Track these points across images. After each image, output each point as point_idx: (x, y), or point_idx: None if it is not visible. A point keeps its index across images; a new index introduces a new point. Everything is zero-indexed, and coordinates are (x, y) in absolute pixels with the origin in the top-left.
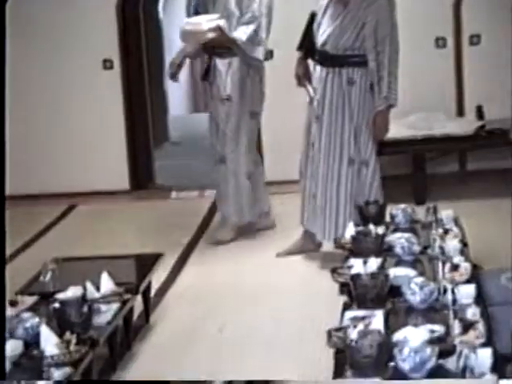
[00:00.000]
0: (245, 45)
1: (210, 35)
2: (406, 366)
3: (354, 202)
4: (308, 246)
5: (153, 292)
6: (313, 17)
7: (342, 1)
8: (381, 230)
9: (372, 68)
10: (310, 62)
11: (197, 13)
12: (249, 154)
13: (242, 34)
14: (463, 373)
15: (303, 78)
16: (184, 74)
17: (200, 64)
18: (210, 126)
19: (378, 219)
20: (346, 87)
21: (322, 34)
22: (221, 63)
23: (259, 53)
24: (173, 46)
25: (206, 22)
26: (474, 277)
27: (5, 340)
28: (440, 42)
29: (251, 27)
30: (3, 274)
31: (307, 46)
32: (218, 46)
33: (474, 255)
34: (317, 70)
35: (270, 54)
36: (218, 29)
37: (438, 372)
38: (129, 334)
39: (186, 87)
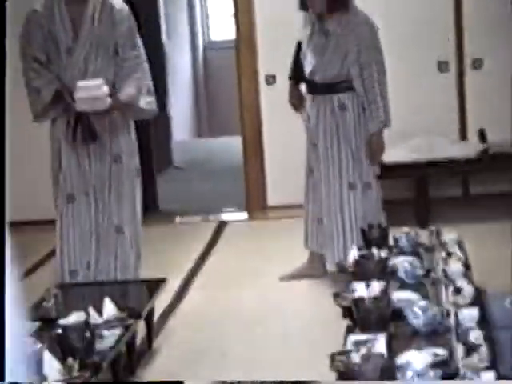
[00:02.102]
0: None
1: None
2: None
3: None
4: (315, 270)
5: (156, 316)
6: (299, 46)
7: (323, 31)
8: (384, 253)
9: (360, 93)
10: (303, 88)
11: None
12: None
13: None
14: None
15: (299, 104)
16: (187, 99)
17: None
18: None
19: (381, 243)
20: (339, 112)
21: (308, 65)
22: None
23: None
24: (176, 67)
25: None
26: (478, 300)
27: (4, 340)
28: (443, 66)
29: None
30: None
31: (297, 74)
32: None
33: (478, 278)
34: (308, 98)
35: (273, 79)
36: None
37: None
38: (132, 359)
39: (189, 112)
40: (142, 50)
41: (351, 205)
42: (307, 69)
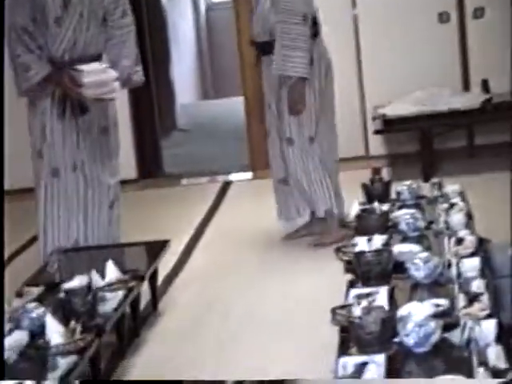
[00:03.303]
0: None
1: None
2: (410, 340)
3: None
4: (316, 227)
5: (161, 279)
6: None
7: None
8: (386, 207)
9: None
10: None
11: None
12: None
13: None
14: (467, 345)
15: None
16: (190, 62)
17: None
18: None
19: (384, 197)
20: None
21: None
22: None
23: None
24: (178, 30)
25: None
26: (482, 250)
27: (4, 340)
28: (443, 17)
29: None
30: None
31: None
32: None
33: (482, 228)
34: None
35: None
36: None
37: (442, 345)
38: (136, 321)
39: (193, 74)
40: (131, 15)
41: (294, 161)
42: (252, 33)
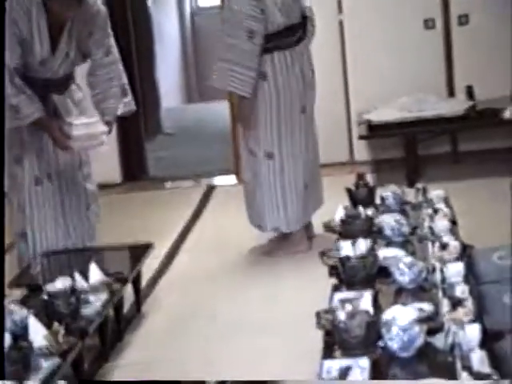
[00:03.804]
0: None
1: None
2: (394, 344)
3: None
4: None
5: (144, 282)
6: None
7: None
8: (370, 212)
9: None
10: None
11: None
12: None
13: None
14: (451, 350)
15: None
16: (175, 65)
17: None
18: None
19: (368, 202)
20: None
21: None
22: None
23: None
24: (163, 32)
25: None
26: (466, 255)
27: (4, 341)
28: (429, 23)
29: None
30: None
31: None
32: None
33: (466, 234)
34: None
35: None
36: None
37: (426, 350)
38: (120, 324)
39: (178, 78)
40: (115, 50)
41: (255, 171)
42: None
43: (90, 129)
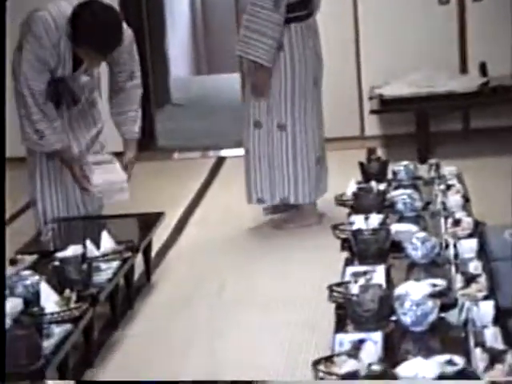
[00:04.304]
0: None
1: None
2: (407, 319)
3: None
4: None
5: (154, 252)
6: None
7: None
8: (383, 186)
9: None
10: None
11: None
12: None
13: None
14: (465, 326)
15: None
16: (185, 36)
17: None
18: None
19: (381, 176)
20: None
21: None
22: None
23: None
24: (173, 3)
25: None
26: (477, 232)
27: (4, 341)
28: None
29: None
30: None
31: None
32: None
33: (477, 212)
34: None
35: None
36: None
37: (439, 325)
38: (130, 292)
39: (188, 49)
40: (138, 75)
41: (259, 143)
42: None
43: (110, 176)
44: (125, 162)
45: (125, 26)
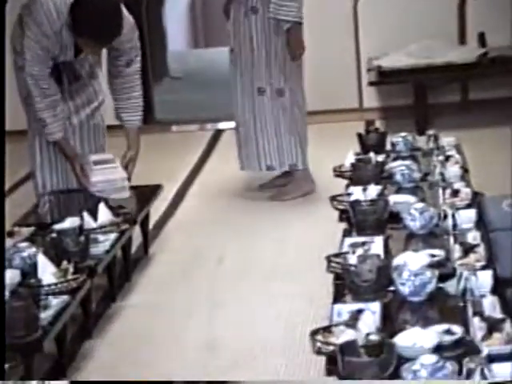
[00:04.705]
0: None
1: None
2: (405, 289)
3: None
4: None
5: (152, 224)
6: None
7: None
8: (381, 158)
9: None
10: None
11: None
12: None
13: None
14: (463, 295)
15: (228, 12)
16: (183, 9)
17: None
18: None
19: (379, 148)
20: (251, 16)
21: None
22: None
23: None
24: None
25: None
26: (476, 203)
27: (4, 341)
28: None
29: None
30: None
31: None
32: None
33: (476, 183)
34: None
35: None
36: None
37: (437, 295)
38: (128, 264)
39: (185, 22)
40: (138, 64)
41: (261, 110)
42: None
43: (109, 175)
44: (125, 162)
45: (125, 13)
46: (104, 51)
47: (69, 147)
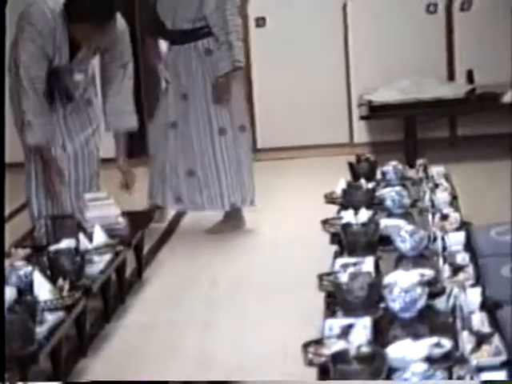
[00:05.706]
0: None
1: None
2: (396, 305)
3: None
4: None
5: (146, 249)
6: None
7: None
8: (372, 185)
9: (217, 35)
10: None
11: None
12: None
13: None
14: (452, 311)
15: (159, 61)
16: None
17: None
18: None
19: (370, 176)
20: (206, 58)
21: (165, 15)
22: None
23: None
24: None
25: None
26: (464, 230)
27: (4, 342)
28: (431, 8)
29: None
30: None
31: (157, 27)
32: None
33: (464, 214)
34: (173, 50)
35: (262, 21)
36: None
37: (427, 312)
38: (122, 287)
39: None
40: (131, 68)
41: (223, 150)
42: (166, 19)
43: (103, 211)
44: (124, 180)
45: (118, 15)
46: (98, 56)
47: (50, 155)
